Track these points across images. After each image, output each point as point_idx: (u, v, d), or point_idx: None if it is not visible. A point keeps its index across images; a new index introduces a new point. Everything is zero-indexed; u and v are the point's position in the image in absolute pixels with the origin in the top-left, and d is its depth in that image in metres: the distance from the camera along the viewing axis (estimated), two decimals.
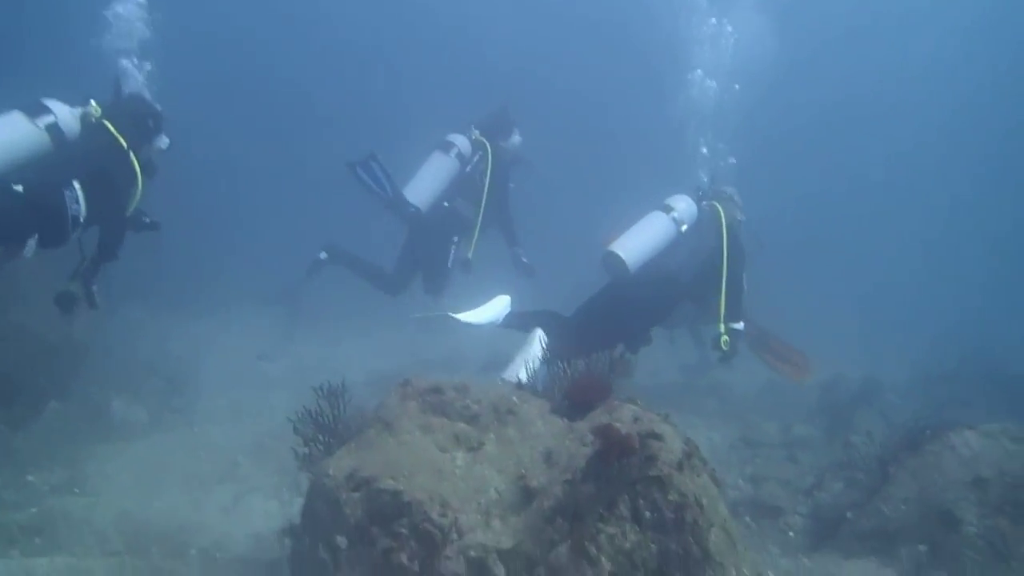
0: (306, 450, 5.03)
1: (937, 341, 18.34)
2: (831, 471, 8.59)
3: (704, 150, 10.79)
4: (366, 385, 11.40)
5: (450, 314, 8.35)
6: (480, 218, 10.07)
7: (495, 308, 8.48)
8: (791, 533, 7.57)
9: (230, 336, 14.62)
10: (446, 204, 10.11)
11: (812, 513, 7.89)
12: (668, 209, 8.29)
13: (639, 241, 8.06)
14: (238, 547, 5.28)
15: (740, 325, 8.49)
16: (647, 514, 4.41)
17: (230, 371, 12.06)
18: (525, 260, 10.46)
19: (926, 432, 7.54)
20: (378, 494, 4.33)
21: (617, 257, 7.93)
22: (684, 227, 8.28)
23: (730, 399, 14.06)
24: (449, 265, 10.42)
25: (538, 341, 7.44)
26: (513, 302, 8.51)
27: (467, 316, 8.32)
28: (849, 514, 7.23)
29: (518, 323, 8.23)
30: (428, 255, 10.39)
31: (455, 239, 10.40)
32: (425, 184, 9.91)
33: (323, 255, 10.49)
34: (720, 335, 8.28)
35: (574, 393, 5.63)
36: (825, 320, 20.83)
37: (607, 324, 7.94)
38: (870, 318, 21.86)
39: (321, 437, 5.05)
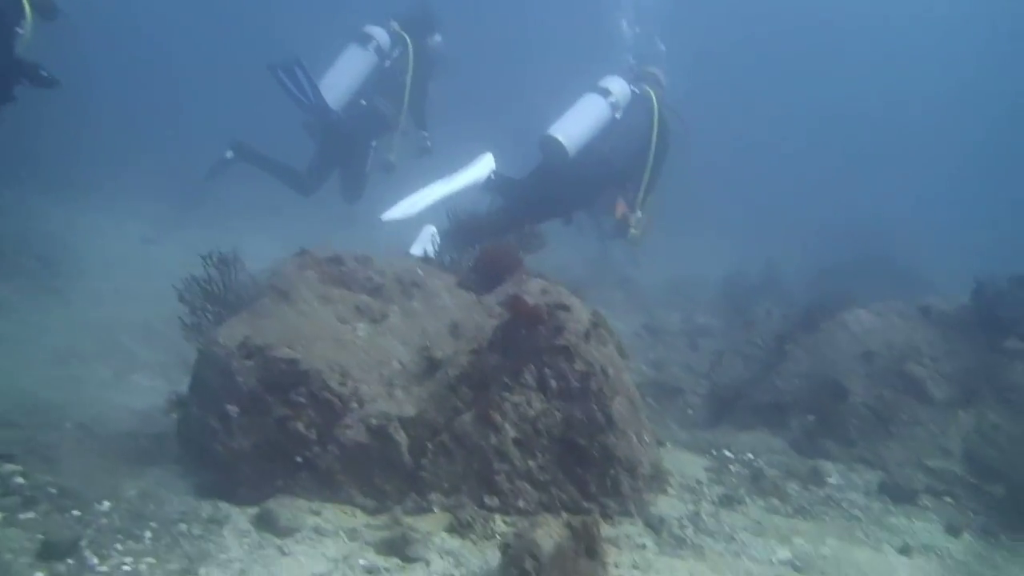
0: (194, 319, 4.75)
1: (830, 238, 19.07)
2: (730, 351, 8.87)
3: (625, 27, 10.30)
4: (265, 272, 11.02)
5: (419, 196, 7.74)
6: (402, 118, 9.44)
7: (480, 168, 8.02)
8: (690, 411, 7.80)
9: (114, 219, 13.79)
10: (363, 102, 9.35)
11: (710, 392, 8.16)
12: (605, 93, 8.00)
13: (577, 125, 7.80)
14: (120, 422, 4.98)
15: (641, 215, 8.36)
16: (553, 383, 4.40)
17: (114, 255, 11.38)
18: (428, 144, 10.02)
19: (822, 311, 7.82)
20: (273, 362, 4.14)
21: (556, 141, 7.66)
22: (618, 114, 8.03)
23: (636, 292, 14.35)
24: (367, 169, 9.84)
25: (442, 218, 7.33)
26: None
27: (451, 180, 7.87)
28: (745, 390, 7.50)
29: (495, 186, 8.00)
30: (345, 159, 9.79)
31: (373, 143, 9.80)
32: (341, 80, 9.15)
33: (229, 154, 9.63)
34: (628, 223, 8.24)
35: (482, 264, 5.51)
36: (729, 218, 21.42)
37: (538, 205, 7.82)
38: (769, 217, 22.52)
39: (210, 306, 4.77)
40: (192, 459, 4.16)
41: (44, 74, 6.61)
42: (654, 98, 8.17)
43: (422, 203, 7.48)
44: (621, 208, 8.18)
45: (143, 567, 3.10)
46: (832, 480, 5.58)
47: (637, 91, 8.24)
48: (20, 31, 6.31)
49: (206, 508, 3.74)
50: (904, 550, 4.38)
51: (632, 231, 8.21)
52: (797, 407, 6.82)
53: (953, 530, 4.80)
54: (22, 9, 6.21)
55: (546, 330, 4.52)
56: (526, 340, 4.47)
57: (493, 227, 7.24)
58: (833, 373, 6.79)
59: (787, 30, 37.66)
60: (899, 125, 37.26)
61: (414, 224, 7.51)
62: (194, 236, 13.83)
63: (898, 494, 5.28)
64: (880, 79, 38.94)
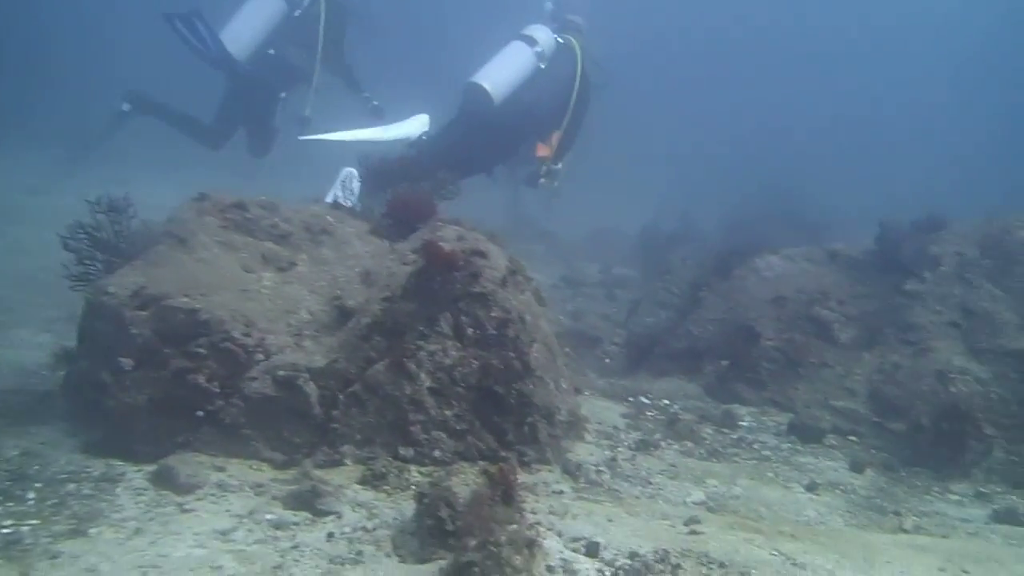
0: (80, 268, 4.42)
1: (744, 192, 19.49)
2: (647, 300, 8.95)
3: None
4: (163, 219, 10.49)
5: (341, 134, 7.59)
6: (317, 71, 9.06)
7: (412, 126, 7.90)
8: (608, 360, 7.84)
9: None
10: (271, 52, 8.97)
11: (627, 341, 8.22)
12: (531, 42, 7.93)
13: (503, 73, 7.73)
14: (2, 379, 4.66)
15: (560, 166, 8.44)
16: (469, 330, 4.28)
17: None
18: (376, 103, 9.64)
19: (735, 257, 7.93)
20: (170, 312, 3.90)
21: (482, 89, 7.57)
22: (543, 65, 7.98)
23: (555, 245, 14.41)
24: (275, 123, 9.41)
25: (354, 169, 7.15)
26: None
27: (380, 130, 7.79)
28: (661, 337, 7.58)
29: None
30: (252, 112, 9.33)
31: (283, 95, 9.35)
32: (246, 29, 8.72)
33: (126, 106, 9.11)
34: (539, 171, 8.30)
35: (395, 210, 5.32)
36: (648, 172, 21.67)
37: (461, 153, 7.75)
38: (688, 171, 22.90)
39: (100, 255, 4.44)
40: (81, 416, 3.89)
41: None
42: (578, 49, 8.13)
43: (346, 138, 7.31)
44: (543, 150, 8.15)
45: (25, 529, 2.87)
46: (745, 423, 5.70)
47: (561, 40, 8.16)
48: None
49: (97, 466, 3.51)
50: (811, 487, 4.50)
51: (547, 180, 8.32)
52: (711, 353, 6.93)
53: (857, 467, 4.97)
54: None
55: (462, 277, 4.39)
56: (441, 287, 4.34)
57: (407, 173, 7.01)
58: (745, 318, 6.91)
59: None
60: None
61: (331, 162, 7.28)
62: (88, 187, 13.09)
63: (806, 434, 5.45)
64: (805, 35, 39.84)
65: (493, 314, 4.33)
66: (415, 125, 7.85)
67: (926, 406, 5.40)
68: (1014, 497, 4.72)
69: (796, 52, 39.40)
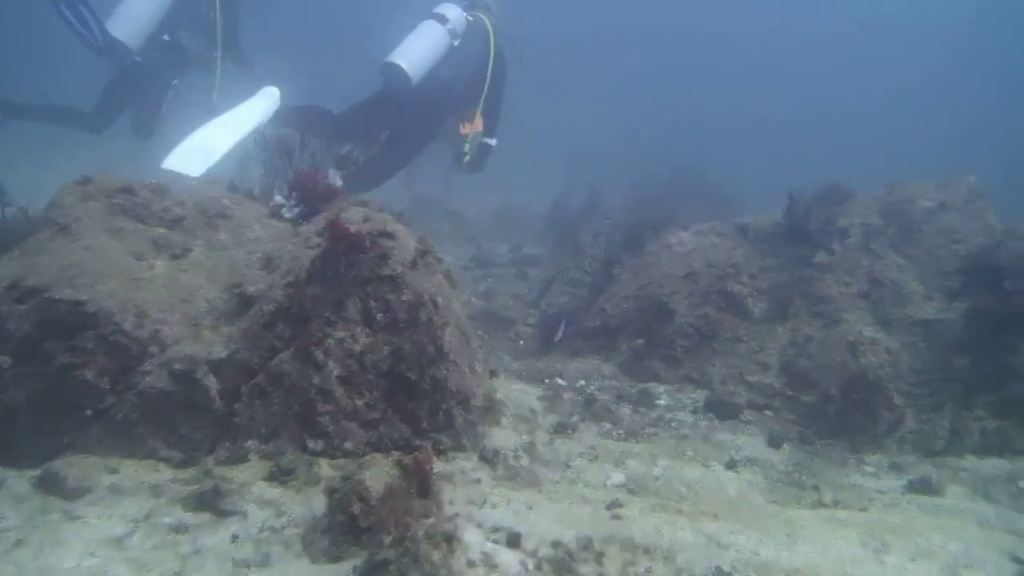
0: None
1: (648, 163, 19.79)
2: (559, 279, 8.99)
3: None
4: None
5: (207, 127, 7.21)
6: (219, 56, 8.74)
7: (264, 103, 7.63)
8: (521, 342, 7.85)
9: None
10: (166, 37, 8.69)
11: (540, 321, 8.24)
12: (443, 20, 7.98)
13: (418, 52, 7.75)
14: None
15: (494, 141, 8.56)
16: (379, 315, 4.18)
17: None
18: (215, 102, 9.38)
19: (645, 232, 8.03)
20: (52, 304, 3.67)
21: (399, 68, 7.59)
22: (457, 41, 8.04)
23: (463, 224, 14.33)
24: (164, 108, 9.05)
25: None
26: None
27: (234, 118, 7.37)
28: (575, 316, 7.62)
29: (287, 118, 7.64)
30: (140, 97, 9.00)
31: (175, 81, 9.07)
32: (139, 12, 8.42)
33: None
34: (463, 151, 8.32)
35: (297, 191, 5.16)
36: (553, 148, 21.73)
37: (401, 138, 7.90)
38: (593, 146, 23.06)
39: None
40: None
41: None
42: (489, 25, 8.22)
43: (215, 151, 6.83)
44: (466, 128, 8.24)
45: None
46: (662, 401, 5.78)
47: (472, 19, 8.24)
48: None
49: None
50: (731, 465, 4.60)
51: (473, 158, 8.39)
52: (625, 330, 7.00)
53: (774, 442, 5.09)
54: None
55: (369, 259, 4.28)
56: (348, 270, 4.22)
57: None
58: (659, 295, 7.00)
59: None
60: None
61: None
62: None
63: (722, 411, 5.56)
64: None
65: (403, 297, 4.24)
66: (267, 102, 7.59)
67: (837, 378, 5.56)
68: (927, 466, 4.91)
69: (723, 50, 40.50)
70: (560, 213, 14.12)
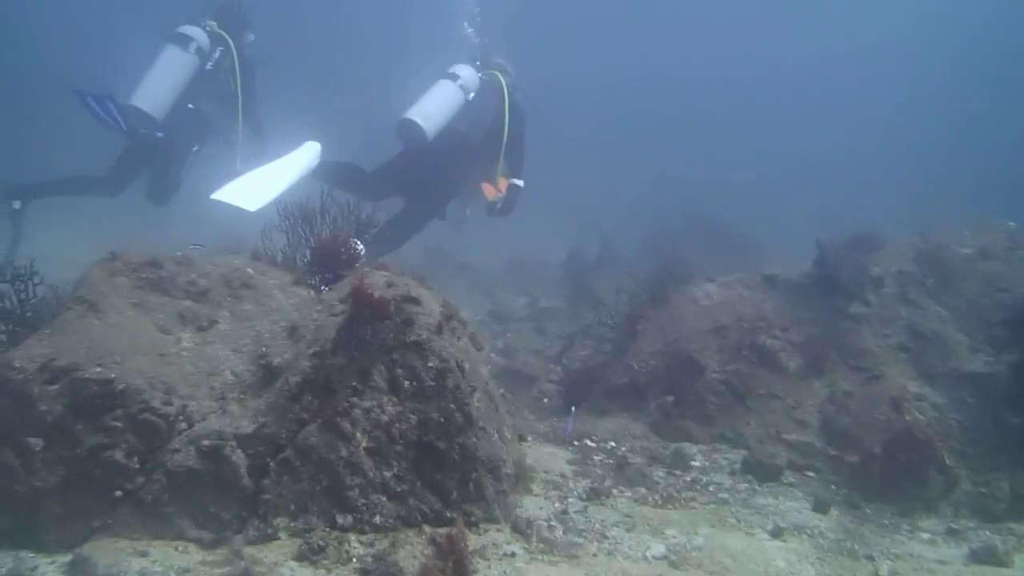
0: None
1: (660, 212, 19.89)
2: (580, 334, 8.98)
3: (469, 30, 10.65)
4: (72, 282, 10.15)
5: (249, 180, 7.65)
6: (243, 123, 9.17)
7: (308, 155, 8.00)
8: (545, 400, 7.84)
9: None
10: (191, 106, 9.11)
11: (564, 378, 8.24)
12: (454, 77, 8.46)
13: (433, 107, 8.17)
14: None
15: (521, 182, 8.86)
16: (406, 383, 4.22)
17: None
18: (239, 167, 9.64)
19: (668, 285, 8.04)
20: (83, 384, 3.74)
21: (414, 124, 7.99)
22: (471, 96, 8.50)
23: (477, 278, 14.41)
24: (182, 174, 9.45)
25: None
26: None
27: (282, 166, 7.81)
28: (600, 374, 7.60)
29: (325, 173, 8.02)
30: (162, 163, 9.32)
31: (195, 148, 9.45)
32: (162, 84, 8.76)
33: (16, 204, 8.92)
34: (494, 198, 8.71)
35: (318, 258, 5.24)
36: (560, 197, 21.91)
37: (408, 189, 8.28)
38: (600, 195, 23.30)
39: (4, 326, 4.25)
40: None
41: None
42: (503, 82, 8.66)
43: (268, 192, 7.32)
44: (489, 191, 8.72)
45: None
46: (696, 463, 5.72)
47: (485, 77, 8.72)
48: None
49: (5, 561, 3.32)
50: (776, 532, 4.50)
51: (495, 203, 8.78)
52: (654, 388, 6.98)
53: (821, 506, 4.97)
54: None
55: (394, 325, 4.33)
56: (373, 337, 4.27)
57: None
58: (687, 350, 6.99)
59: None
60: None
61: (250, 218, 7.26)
62: None
63: (762, 472, 5.47)
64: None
65: (430, 364, 4.27)
66: (310, 155, 7.95)
67: (882, 436, 5.46)
68: (988, 532, 4.77)
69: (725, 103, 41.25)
70: (576, 265, 14.19)
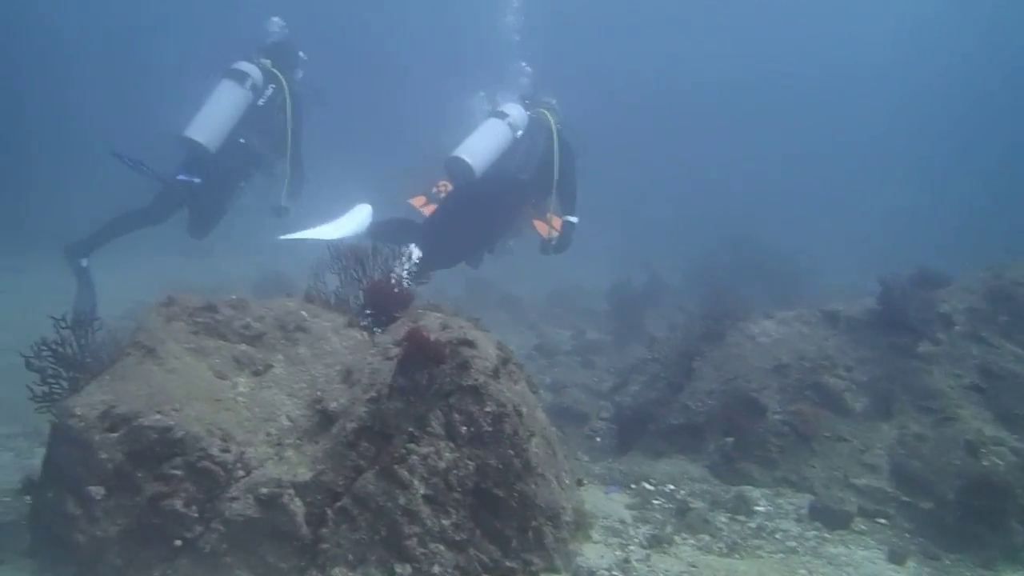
0: (45, 388, 4.32)
1: (703, 236, 19.82)
2: (635, 370, 8.91)
3: (527, 67, 11.01)
4: (128, 318, 10.40)
5: (310, 232, 8.17)
6: (289, 160, 9.53)
7: (361, 216, 8.42)
8: (598, 439, 7.78)
9: None
10: (242, 141, 9.32)
11: (615, 415, 8.18)
12: (502, 115, 8.67)
13: (481, 145, 8.39)
14: None
15: (575, 219, 8.95)
16: (463, 428, 4.22)
17: None
18: (284, 205, 9.92)
19: (725, 323, 7.94)
20: (142, 432, 3.80)
21: (462, 162, 8.20)
22: (519, 133, 8.70)
23: (520, 310, 14.45)
24: (226, 208, 9.71)
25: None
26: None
27: (329, 230, 8.18)
28: (655, 412, 7.52)
29: (377, 232, 8.32)
30: (208, 197, 9.52)
31: (242, 184, 9.72)
32: (218, 117, 9.07)
33: (84, 262, 9.24)
34: (548, 236, 8.85)
35: (371, 300, 5.29)
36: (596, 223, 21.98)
37: (462, 230, 8.49)
38: (644, 221, 23.32)
39: (64, 372, 4.35)
40: (48, 552, 3.76)
41: None
42: (551, 121, 8.91)
43: (307, 236, 7.90)
44: (542, 228, 8.93)
45: None
46: (761, 508, 5.61)
47: (534, 115, 8.95)
48: None
49: None
50: None
51: (549, 240, 8.91)
52: (712, 428, 6.87)
53: (897, 557, 4.84)
54: None
55: (450, 369, 4.34)
56: (430, 382, 4.28)
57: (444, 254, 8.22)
58: (746, 389, 6.88)
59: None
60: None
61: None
62: (36, 282, 12.99)
63: (831, 519, 5.34)
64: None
65: (487, 409, 4.27)
66: (360, 216, 8.35)
67: (956, 481, 5.30)
68: None
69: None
70: (621, 296, 14.15)
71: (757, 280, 15.97)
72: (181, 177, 9.04)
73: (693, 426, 7.04)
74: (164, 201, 9.47)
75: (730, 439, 6.58)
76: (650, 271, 15.92)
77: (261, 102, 9.40)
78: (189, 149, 8.97)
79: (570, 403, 8.64)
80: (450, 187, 8.87)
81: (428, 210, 8.88)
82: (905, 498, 5.57)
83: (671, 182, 32.55)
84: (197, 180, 9.06)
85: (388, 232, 8.27)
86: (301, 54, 10.26)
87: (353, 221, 8.28)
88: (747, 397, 6.76)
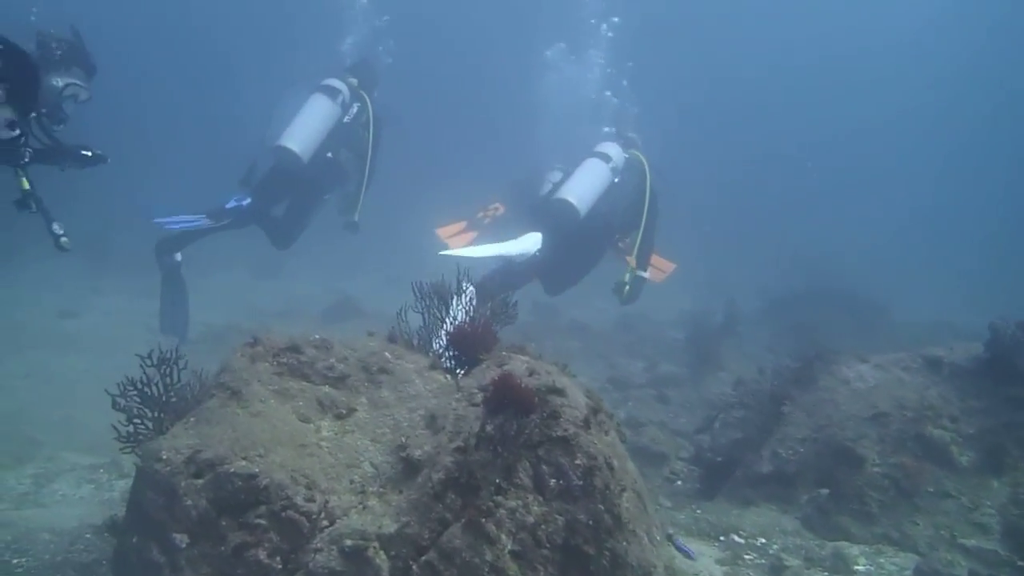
0: (130, 428, 4.35)
1: (783, 266, 19.43)
2: (723, 412, 8.68)
3: (613, 99, 11.36)
4: (199, 342, 10.63)
5: (471, 250, 8.64)
6: (366, 177, 9.88)
7: (528, 242, 8.79)
8: (679, 482, 7.59)
9: (21, 289, 13.25)
10: (330, 155, 9.75)
11: (696, 457, 7.98)
12: (605, 158, 9.08)
13: (585, 188, 8.85)
14: (42, 549, 4.52)
15: (646, 273, 9.32)
16: (552, 481, 4.10)
17: (24, 331, 10.88)
18: (356, 219, 10.25)
19: (816, 365, 7.68)
20: (227, 479, 3.78)
21: (570, 205, 8.68)
22: (618, 177, 9.14)
23: (590, 338, 14.34)
24: (310, 220, 10.17)
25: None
26: None
27: (492, 249, 8.66)
28: (741, 457, 7.29)
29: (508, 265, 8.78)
30: (295, 207, 10.01)
31: (327, 196, 10.20)
32: (309, 129, 9.46)
33: (178, 256, 9.77)
34: (623, 281, 9.15)
35: (456, 342, 5.22)
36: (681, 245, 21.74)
37: (564, 267, 9.06)
38: (717, 243, 23.01)
39: (149, 412, 4.38)
40: None
41: (87, 153, 6.46)
42: (645, 162, 9.37)
43: (475, 254, 8.42)
44: (631, 260, 9.30)
45: None
46: (861, 567, 5.38)
47: (628, 156, 9.41)
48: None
49: None
50: None
51: (625, 292, 9.24)
52: (804, 478, 6.64)
53: None
54: None
55: (539, 419, 4.23)
56: (518, 432, 4.18)
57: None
58: (841, 438, 6.64)
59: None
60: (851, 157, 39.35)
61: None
62: (115, 304, 13.39)
63: None
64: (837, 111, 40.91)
65: (577, 461, 4.14)
66: (529, 242, 8.72)
67: None
68: None
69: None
70: (699, 328, 13.96)
71: (835, 308, 15.65)
72: (231, 205, 9.43)
73: (784, 474, 6.80)
74: (259, 207, 9.85)
75: (825, 490, 6.35)
76: (725, 299, 15.73)
77: (347, 119, 9.76)
78: (280, 159, 9.36)
79: (647, 443, 8.49)
80: (501, 211, 9.66)
81: (466, 238, 9.36)
82: (1020, 562, 5.26)
83: (721, 198, 32.15)
84: (245, 202, 9.45)
85: (516, 267, 8.74)
86: (389, 58, 11.12)
87: (519, 246, 8.63)
88: (843, 446, 6.51)
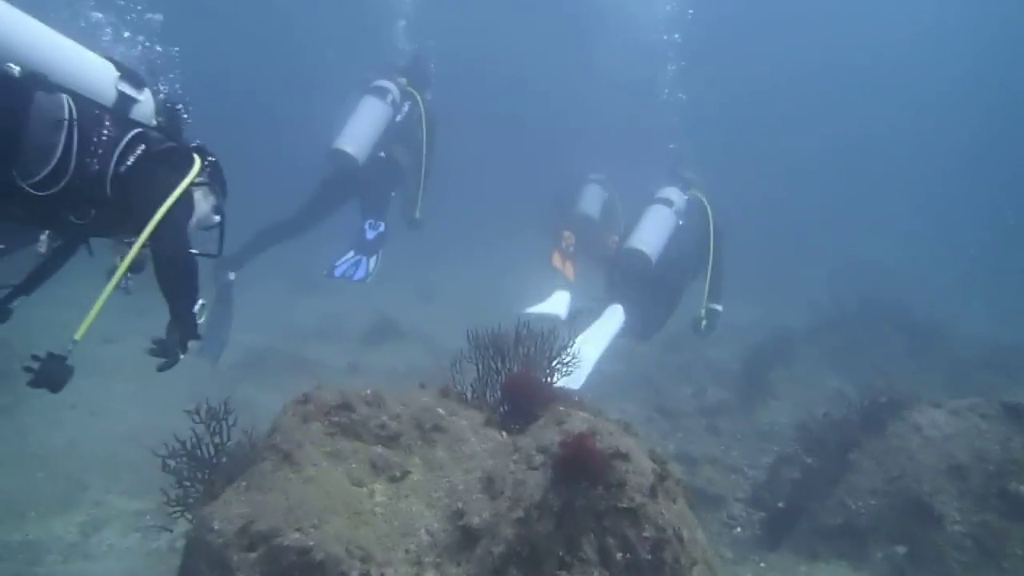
0: (180, 491, 4.33)
1: (834, 284, 19.06)
2: (785, 459, 8.46)
3: (671, 145, 11.84)
4: (241, 367, 10.66)
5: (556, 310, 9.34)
6: (423, 174, 10.25)
7: (616, 319, 9.19)
8: (738, 528, 7.42)
9: (64, 312, 13.39)
10: (382, 154, 10.07)
11: (754, 498, 7.80)
12: (668, 203, 9.50)
13: (654, 235, 9.26)
14: None
15: (720, 307, 9.69)
16: (618, 555, 3.98)
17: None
18: (419, 216, 10.68)
19: (885, 409, 7.45)
20: (281, 552, 3.72)
21: (642, 253, 9.11)
22: (682, 220, 9.51)
23: (634, 359, 14.14)
24: (385, 219, 10.55)
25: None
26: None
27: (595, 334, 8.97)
28: (805, 505, 7.10)
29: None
30: (368, 209, 10.47)
31: (393, 193, 10.59)
32: (363, 130, 9.83)
33: (232, 275, 10.12)
34: (700, 317, 9.56)
35: (511, 396, 5.12)
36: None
37: (651, 318, 9.52)
38: (766, 260, 22.65)
39: (199, 474, 4.35)
40: None
41: None
42: (707, 204, 9.72)
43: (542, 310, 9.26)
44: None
45: None
46: None
47: (688, 197, 9.76)
48: None
49: None
50: None
51: (703, 327, 9.68)
52: (878, 533, 6.45)
53: None
54: None
55: (604, 486, 4.12)
56: (583, 502, 4.06)
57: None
58: (917, 492, 6.43)
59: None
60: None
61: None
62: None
63: None
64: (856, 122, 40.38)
65: (645, 534, 4.03)
66: (617, 317, 9.16)
67: None
68: None
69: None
70: (751, 351, 13.73)
71: (889, 327, 15.32)
72: (371, 235, 10.22)
73: (854, 528, 6.61)
74: (311, 209, 10.41)
75: (901, 549, 6.14)
76: (777, 321, 15.49)
77: (399, 118, 10.10)
78: (336, 161, 9.75)
79: (703, 483, 8.35)
80: (572, 241, 10.48)
81: (571, 270, 10.07)
82: None
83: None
84: (381, 227, 10.34)
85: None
86: (431, 66, 11.08)
87: (611, 326, 9.03)
88: (919, 501, 6.31)
